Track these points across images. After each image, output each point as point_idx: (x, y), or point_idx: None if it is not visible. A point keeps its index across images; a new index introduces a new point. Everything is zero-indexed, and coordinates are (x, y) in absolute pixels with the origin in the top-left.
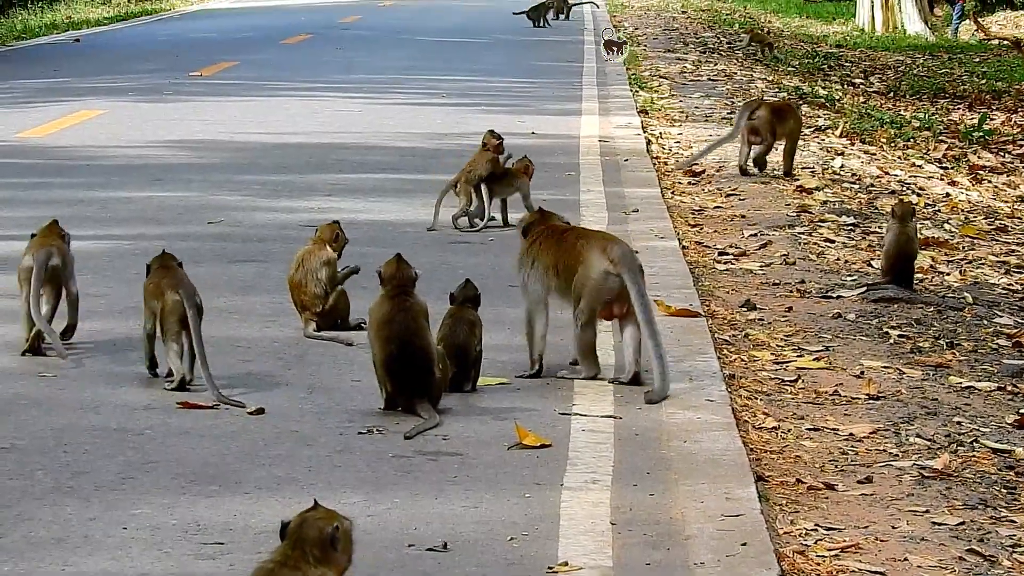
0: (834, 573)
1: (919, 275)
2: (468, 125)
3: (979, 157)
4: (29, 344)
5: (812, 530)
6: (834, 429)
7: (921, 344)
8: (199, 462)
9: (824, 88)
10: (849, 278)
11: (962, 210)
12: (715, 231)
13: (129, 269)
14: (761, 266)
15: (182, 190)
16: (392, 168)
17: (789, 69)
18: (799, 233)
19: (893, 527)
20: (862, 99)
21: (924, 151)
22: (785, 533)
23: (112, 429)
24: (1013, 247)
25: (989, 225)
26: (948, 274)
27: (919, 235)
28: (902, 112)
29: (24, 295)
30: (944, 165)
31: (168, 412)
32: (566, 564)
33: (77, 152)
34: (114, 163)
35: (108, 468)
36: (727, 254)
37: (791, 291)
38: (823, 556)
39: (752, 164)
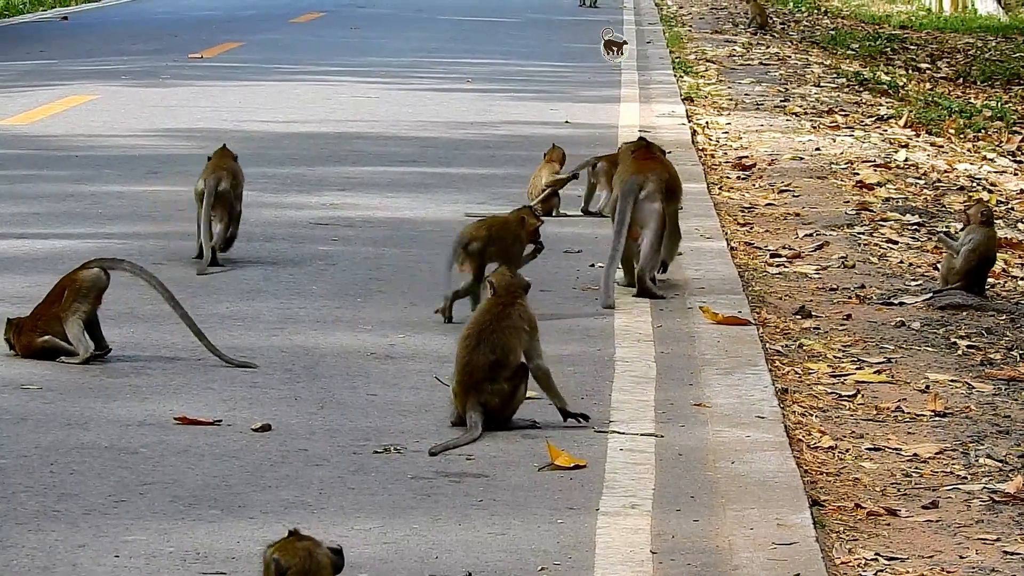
0: None
1: (990, 280)
2: (495, 113)
3: None
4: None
5: (872, 560)
6: (896, 449)
7: (992, 356)
8: (199, 483)
9: (887, 73)
10: (913, 283)
11: None
12: (766, 231)
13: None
14: (817, 269)
15: (181, 184)
16: (412, 160)
17: (848, 53)
18: (859, 233)
19: (961, 557)
20: (928, 86)
21: (996, 143)
22: (843, 563)
23: (103, 447)
24: None
25: None
26: (1022, 279)
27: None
28: (972, 100)
29: (198, 213)
30: (1018, 158)
31: (165, 429)
32: None
33: (66, 142)
34: (106, 154)
35: (99, 490)
36: (779, 256)
37: (850, 297)
38: None
39: None
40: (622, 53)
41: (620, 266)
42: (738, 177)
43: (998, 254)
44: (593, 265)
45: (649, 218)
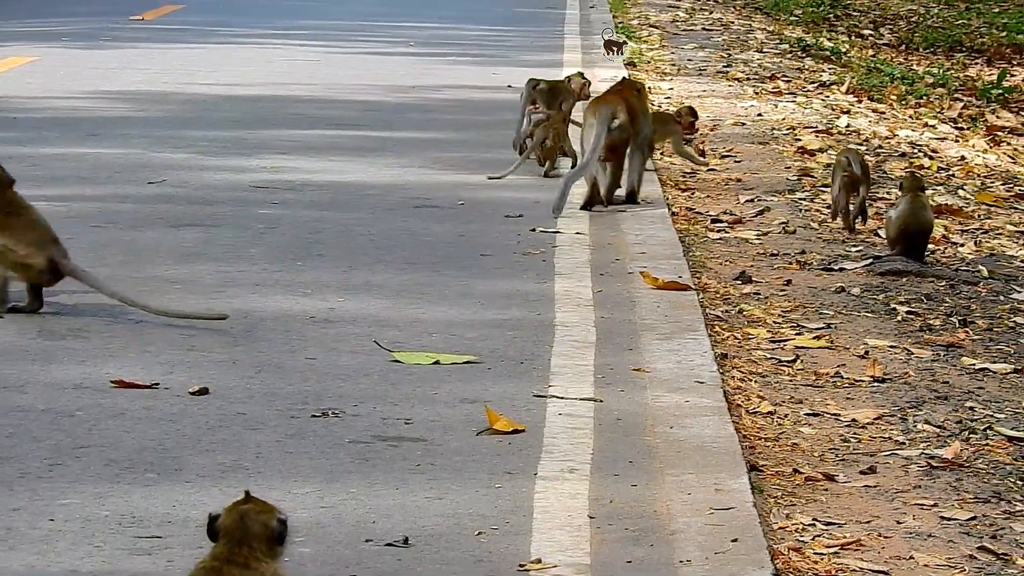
0: (833, 572)
1: (930, 246)
2: (437, 77)
3: (998, 117)
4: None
5: (809, 525)
6: (835, 414)
7: (931, 322)
8: (135, 447)
9: (830, 40)
10: (854, 249)
11: (978, 175)
12: (708, 196)
13: (61, 233)
14: (758, 235)
15: (121, 146)
16: (353, 124)
17: (791, 19)
18: (800, 199)
19: (898, 522)
20: (871, 52)
21: (938, 110)
22: (780, 528)
23: (39, 410)
24: None
25: (1007, 192)
26: (962, 245)
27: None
28: (914, 67)
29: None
30: (959, 125)
31: (101, 392)
32: (539, 561)
33: (4, 103)
34: (45, 116)
35: (34, 453)
36: (720, 221)
37: (790, 262)
38: (821, 553)
39: None
40: (622, 52)
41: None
42: None
43: (938, 220)
44: (534, 230)
45: (618, 144)
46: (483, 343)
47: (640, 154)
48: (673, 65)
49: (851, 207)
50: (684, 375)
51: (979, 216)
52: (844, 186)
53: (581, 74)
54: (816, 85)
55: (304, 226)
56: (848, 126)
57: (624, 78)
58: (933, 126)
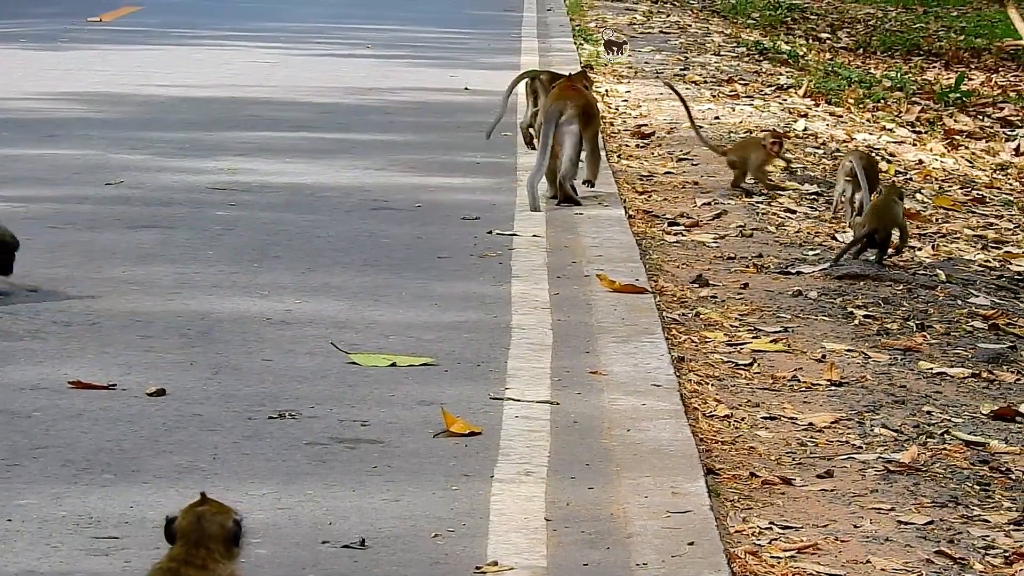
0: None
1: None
2: (395, 79)
3: (955, 121)
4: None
5: (766, 529)
6: (792, 418)
7: (889, 326)
8: (92, 448)
9: (787, 43)
10: (811, 252)
11: (936, 179)
12: (665, 199)
13: (18, 234)
14: (715, 238)
15: (79, 147)
16: (310, 126)
17: (749, 22)
18: (757, 202)
19: (855, 526)
20: (828, 56)
21: (895, 113)
22: (737, 532)
23: None
24: (991, 220)
25: (965, 196)
26: (920, 249)
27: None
28: (872, 70)
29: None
30: (917, 129)
31: (59, 393)
32: (495, 564)
33: None
34: (3, 116)
35: None
36: (677, 224)
37: (747, 266)
38: (778, 557)
39: None
40: (622, 52)
41: (545, 179)
42: (637, 145)
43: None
44: (491, 232)
45: (567, 138)
46: (440, 345)
47: (593, 143)
48: (630, 68)
49: (852, 208)
50: (641, 378)
51: (937, 220)
52: (847, 189)
53: (584, 72)
54: (773, 88)
55: (261, 228)
56: (805, 129)
57: (570, 74)
58: (891, 130)
